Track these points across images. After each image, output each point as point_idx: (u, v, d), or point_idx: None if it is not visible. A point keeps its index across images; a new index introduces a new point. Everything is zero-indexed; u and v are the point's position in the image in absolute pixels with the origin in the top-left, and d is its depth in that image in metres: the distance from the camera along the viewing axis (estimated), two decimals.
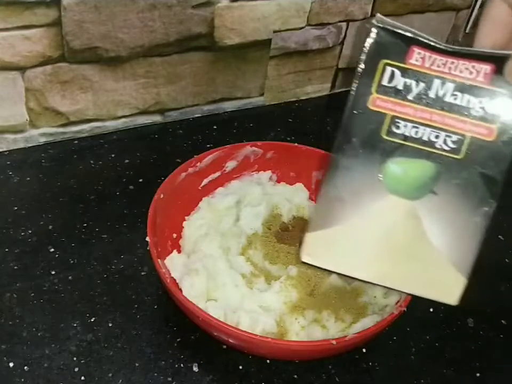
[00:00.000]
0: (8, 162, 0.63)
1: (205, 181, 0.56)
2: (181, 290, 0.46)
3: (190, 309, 0.41)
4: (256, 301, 0.46)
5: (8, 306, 0.47)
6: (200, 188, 0.56)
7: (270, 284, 0.48)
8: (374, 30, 0.34)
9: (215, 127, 0.72)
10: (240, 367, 0.45)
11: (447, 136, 0.34)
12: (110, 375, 0.43)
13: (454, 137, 0.34)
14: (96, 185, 0.61)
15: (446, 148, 0.35)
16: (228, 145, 0.56)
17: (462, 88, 0.34)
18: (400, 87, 0.34)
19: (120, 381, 0.43)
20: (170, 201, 0.51)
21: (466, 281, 0.36)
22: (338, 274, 0.40)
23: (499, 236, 0.60)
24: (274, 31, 0.71)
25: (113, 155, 0.65)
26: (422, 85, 0.34)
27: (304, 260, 0.37)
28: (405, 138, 0.35)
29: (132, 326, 0.47)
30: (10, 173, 0.61)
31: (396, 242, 0.36)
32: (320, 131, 0.74)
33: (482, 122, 0.34)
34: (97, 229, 0.55)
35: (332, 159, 0.36)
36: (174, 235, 0.52)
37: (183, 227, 0.53)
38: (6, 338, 0.45)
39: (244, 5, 0.67)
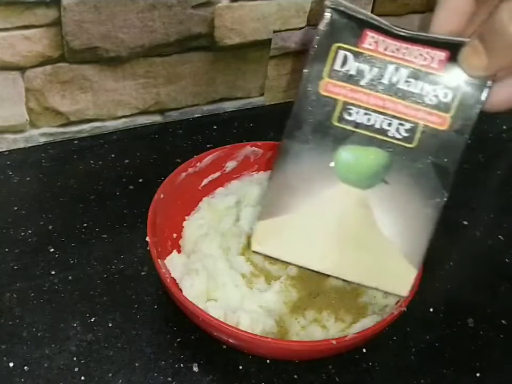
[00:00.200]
0: (8, 162, 0.63)
1: (205, 181, 0.56)
2: (181, 290, 0.46)
3: (190, 309, 0.41)
4: (256, 301, 0.46)
5: (8, 306, 0.47)
6: (200, 188, 0.56)
7: (270, 284, 0.48)
8: (327, 12, 0.32)
9: (215, 127, 0.72)
10: (240, 367, 0.45)
11: (399, 124, 0.33)
12: (110, 375, 0.43)
13: (407, 126, 0.33)
14: (96, 185, 0.61)
15: (399, 136, 0.34)
16: (228, 145, 0.56)
17: (416, 75, 0.33)
18: (353, 72, 0.33)
19: (120, 381, 0.43)
20: (170, 201, 0.51)
21: (417, 272, 0.35)
22: (289, 264, 0.39)
23: (499, 236, 0.60)
24: (274, 31, 0.71)
25: (113, 155, 0.65)
26: (375, 70, 0.33)
27: (254, 249, 0.37)
28: (357, 125, 0.34)
29: (132, 326, 0.47)
30: (10, 173, 0.61)
31: (346, 231, 0.35)
32: None
33: (436, 110, 0.33)
34: (97, 229, 0.55)
35: (282, 146, 0.35)
36: (174, 235, 0.52)
37: (183, 227, 0.53)
38: (6, 338, 0.45)
39: (244, 5, 0.67)
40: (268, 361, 0.46)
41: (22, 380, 0.42)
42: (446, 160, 0.34)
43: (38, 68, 0.60)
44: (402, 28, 0.33)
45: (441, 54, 0.32)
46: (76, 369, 0.43)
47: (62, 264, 0.52)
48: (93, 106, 0.66)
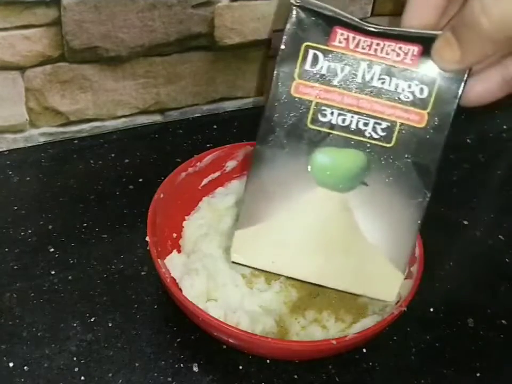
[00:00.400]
0: (8, 162, 0.62)
1: (205, 181, 0.56)
2: (181, 290, 0.46)
3: (190, 309, 0.41)
4: (256, 301, 0.46)
5: (8, 306, 0.47)
6: (200, 188, 0.56)
7: (270, 283, 0.48)
8: (293, 10, 0.32)
9: (215, 126, 0.72)
10: (240, 367, 0.45)
11: (376, 123, 0.32)
12: (110, 375, 0.43)
13: (384, 125, 0.32)
14: (96, 185, 0.61)
15: (376, 136, 0.32)
16: (227, 145, 0.56)
17: (390, 72, 0.32)
18: (324, 71, 0.32)
19: (120, 381, 0.43)
20: (170, 201, 0.51)
21: (404, 276, 0.34)
22: (271, 273, 0.37)
23: (499, 236, 0.60)
24: (275, 31, 0.71)
25: (113, 155, 0.65)
26: (347, 68, 0.32)
27: (233, 259, 0.36)
28: (332, 126, 0.32)
29: (132, 326, 0.47)
30: (10, 172, 0.61)
31: (328, 237, 0.34)
32: None
33: (412, 107, 0.32)
34: (97, 229, 0.55)
35: (256, 151, 0.34)
36: (174, 235, 0.52)
37: (183, 227, 0.53)
38: (6, 338, 0.45)
39: (244, 5, 0.67)
40: (268, 361, 0.46)
41: (22, 379, 0.42)
42: (426, 158, 0.32)
43: (37, 68, 0.60)
44: (374, 24, 0.32)
45: (414, 49, 0.31)
46: (76, 369, 0.43)
47: (62, 264, 0.51)
48: (93, 106, 0.66)
